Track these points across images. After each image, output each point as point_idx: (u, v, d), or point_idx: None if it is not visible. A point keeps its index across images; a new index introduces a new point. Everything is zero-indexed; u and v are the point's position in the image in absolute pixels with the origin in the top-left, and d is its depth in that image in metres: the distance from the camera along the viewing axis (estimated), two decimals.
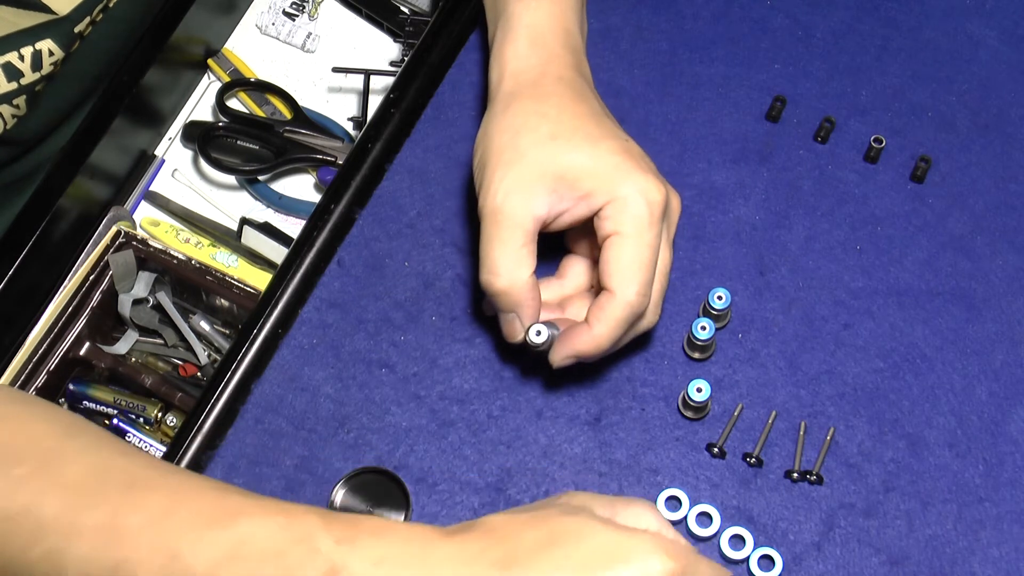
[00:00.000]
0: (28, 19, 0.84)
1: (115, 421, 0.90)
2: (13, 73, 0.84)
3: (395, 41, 1.03)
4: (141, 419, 0.90)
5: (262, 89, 1.00)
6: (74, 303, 0.89)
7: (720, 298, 0.78)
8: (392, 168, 0.85)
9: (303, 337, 0.80)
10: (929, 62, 0.88)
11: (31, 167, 0.94)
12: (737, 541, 0.74)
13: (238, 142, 0.98)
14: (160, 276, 0.92)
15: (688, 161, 0.85)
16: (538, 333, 0.72)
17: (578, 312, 0.75)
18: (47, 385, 0.89)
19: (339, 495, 0.75)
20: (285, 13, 1.03)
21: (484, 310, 0.79)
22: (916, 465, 0.76)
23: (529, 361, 0.79)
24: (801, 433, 0.77)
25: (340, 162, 0.95)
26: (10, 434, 0.64)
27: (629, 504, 0.64)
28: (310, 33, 1.03)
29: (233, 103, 1.01)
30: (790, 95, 0.87)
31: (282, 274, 0.81)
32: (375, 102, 0.95)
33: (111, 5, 0.89)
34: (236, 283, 0.89)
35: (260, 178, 0.98)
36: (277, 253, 0.93)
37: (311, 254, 0.82)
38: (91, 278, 0.90)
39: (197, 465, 0.76)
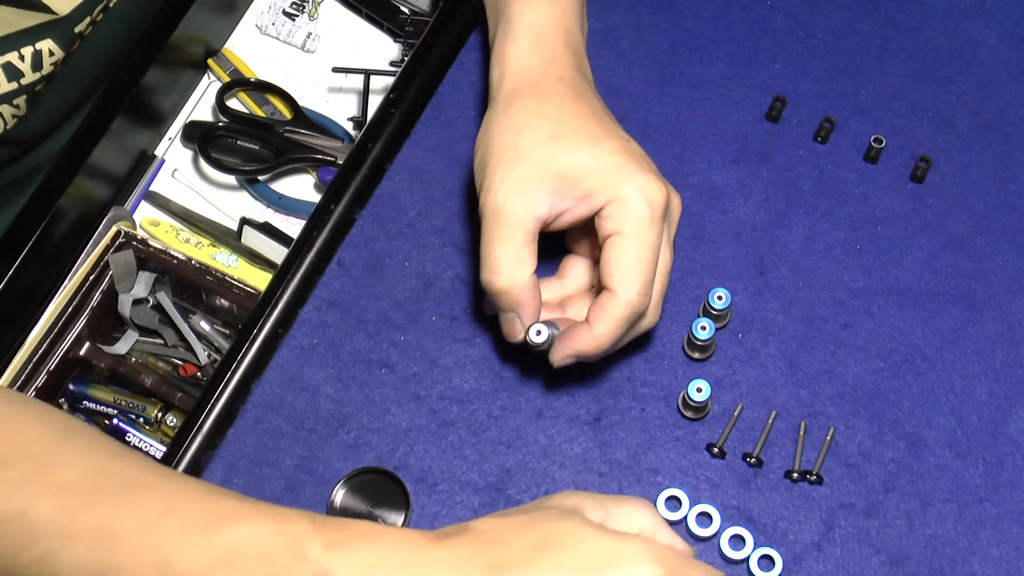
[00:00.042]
0: (28, 19, 0.84)
1: (115, 421, 0.90)
2: (13, 73, 0.84)
3: (395, 41, 1.03)
4: (141, 419, 0.90)
5: (262, 89, 1.00)
6: (74, 303, 0.89)
7: (720, 298, 0.78)
8: (392, 168, 0.85)
9: (303, 337, 0.80)
10: (929, 62, 0.88)
11: (31, 167, 0.94)
12: (737, 541, 0.74)
13: (238, 142, 0.98)
14: (160, 276, 0.92)
15: (688, 161, 0.85)
16: (538, 333, 0.72)
17: (578, 312, 0.75)
18: (47, 385, 0.89)
19: (339, 495, 0.75)
20: (285, 13, 1.03)
21: (484, 309, 0.79)
22: (916, 465, 0.76)
23: (529, 361, 0.79)
24: (801, 433, 0.77)
25: (340, 162, 0.95)
26: (6, 436, 0.64)
27: (623, 503, 0.64)
28: (310, 33, 1.03)
29: (233, 103, 1.01)
30: (790, 95, 0.87)
31: (282, 274, 0.81)
32: (375, 102, 0.95)
33: (111, 5, 0.89)
34: (236, 283, 0.89)
35: (260, 178, 0.98)
36: (277, 253, 0.93)
37: (311, 254, 0.82)
38: (91, 278, 0.90)
39: (197, 465, 0.76)
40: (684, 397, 0.77)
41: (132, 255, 0.90)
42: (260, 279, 0.92)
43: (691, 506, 0.75)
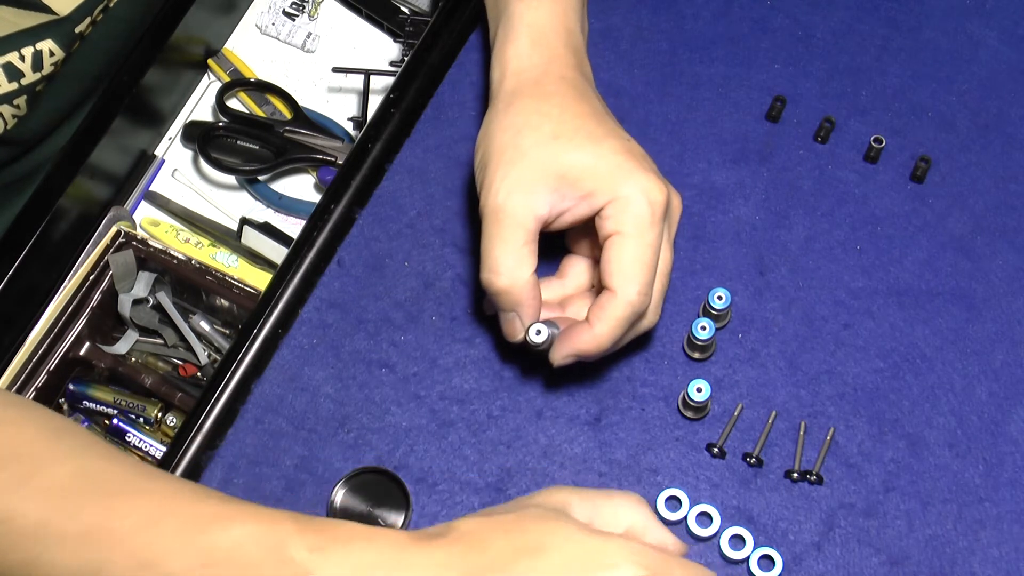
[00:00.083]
0: (29, 19, 0.84)
1: (115, 421, 0.90)
2: (14, 73, 0.84)
3: (395, 41, 1.03)
4: (141, 419, 0.90)
5: (262, 89, 1.00)
6: (74, 303, 0.89)
7: (720, 298, 0.78)
8: (392, 168, 0.85)
9: (303, 337, 0.80)
10: (929, 62, 0.88)
11: (31, 167, 0.94)
12: (737, 541, 0.74)
13: (238, 142, 0.98)
14: (160, 276, 0.92)
15: (688, 161, 0.85)
16: (538, 332, 0.72)
17: (579, 312, 0.75)
18: (47, 385, 0.89)
19: (339, 495, 0.75)
20: (285, 13, 1.03)
21: (484, 309, 0.79)
22: (916, 465, 0.76)
23: (529, 361, 0.79)
24: (801, 433, 0.77)
25: (340, 162, 0.95)
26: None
27: (611, 499, 0.64)
28: (310, 33, 1.03)
29: (233, 103, 1.01)
30: (790, 95, 0.87)
31: (282, 274, 0.81)
32: (375, 102, 0.95)
33: (111, 5, 0.89)
34: (236, 283, 0.89)
35: (260, 178, 0.98)
36: (277, 253, 0.93)
37: (311, 254, 0.82)
38: (91, 278, 0.90)
39: (197, 465, 0.76)
40: (684, 397, 0.77)
41: (132, 255, 0.90)
42: (260, 279, 0.92)
43: (691, 506, 0.75)
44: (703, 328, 0.77)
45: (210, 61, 1.01)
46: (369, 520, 0.74)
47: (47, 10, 0.84)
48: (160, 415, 0.90)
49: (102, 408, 0.91)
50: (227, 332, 0.92)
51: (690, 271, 0.81)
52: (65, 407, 0.91)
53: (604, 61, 0.87)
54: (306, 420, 0.78)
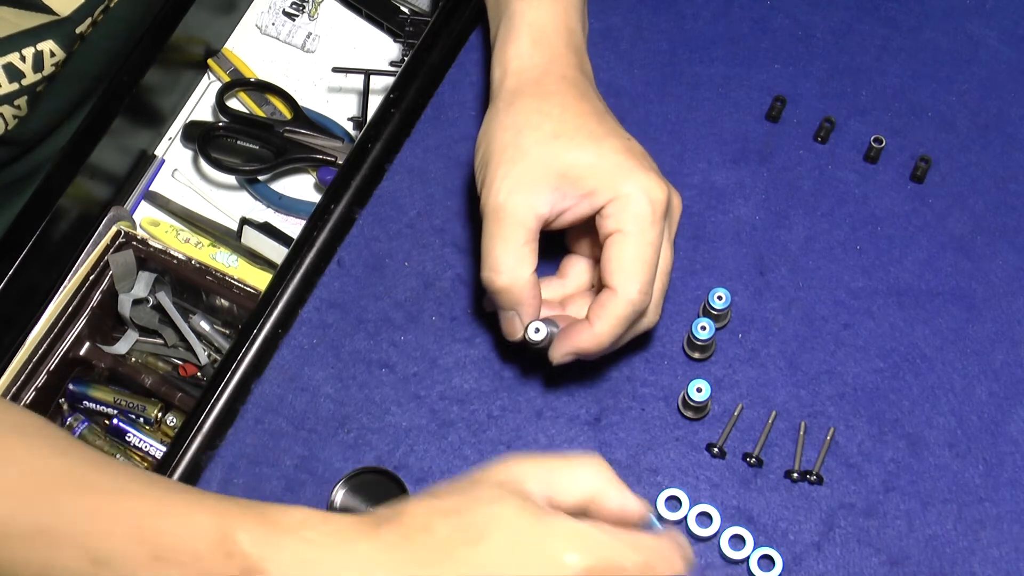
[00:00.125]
0: (29, 20, 0.84)
1: (115, 421, 0.90)
2: (14, 74, 0.84)
3: (395, 41, 1.03)
4: (141, 419, 0.90)
5: (262, 89, 1.00)
6: (74, 303, 0.89)
7: (720, 298, 0.78)
8: (392, 168, 0.85)
9: (303, 337, 0.80)
10: (929, 62, 0.88)
11: (31, 167, 0.94)
12: (737, 541, 0.74)
13: (238, 142, 0.98)
14: (160, 276, 0.92)
15: (688, 161, 0.85)
16: (536, 331, 0.72)
17: (579, 311, 0.75)
18: (47, 385, 0.89)
19: (339, 495, 0.75)
20: (285, 13, 1.03)
21: (485, 307, 0.79)
22: (916, 465, 0.76)
23: (529, 361, 0.79)
24: (801, 433, 0.77)
25: (340, 162, 0.95)
26: None
27: (567, 466, 0.62)
28: (310, 33, 1.03)
29: (233, 103, 1.01)
30: (790, 95, 0.87)
31: (282, 274, 0.81)
32: (375, 102, 0.95)
33: (112, 5, 0.89)
34: (236, 283, 0.89)
35: (260, 178, 0.98)
36: (277, 253, 0.93)
37: (311, 254, 0.82)
38: (91, 278, 0.90)
39: (197, 465, 0.76)
40: (684, 397, 0.77)
41: (132, 255, 0.90)
42: (260, 279, 0.92)
43: (691, 506, 0.75)
44: (703, 328, 0.77)
45: (210, 61, 1.01)
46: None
47: (48, 11, 0.84)
48: (160, 415, 0.90)
49: (102, 408, 0.91)
50: (227, 332, 0.92)
51: (690, 271, 0.81)
52: (65, 407, 0.91)
53: (604, 61, 0.87)
54: (306, 420, 0.78)
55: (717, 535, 0.75)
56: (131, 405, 0.90)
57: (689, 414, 0.78)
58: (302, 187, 0.99)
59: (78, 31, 0.86)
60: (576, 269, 0.77)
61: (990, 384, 0.78)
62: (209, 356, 0.92)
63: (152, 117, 0.98)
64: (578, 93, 0.74)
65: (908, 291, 0.81)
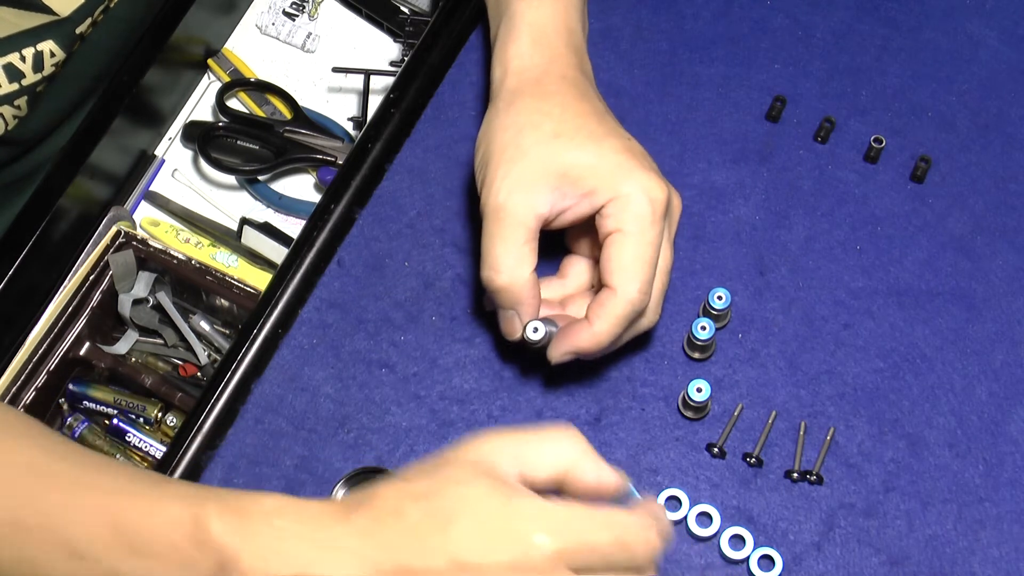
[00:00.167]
0: (29, 20, 0.84)
1: (115, 421, 0.90)
2: (14, 74, 0.84)
3: (395, 41, 1.03)
4: (141, 419, 0.90)
5: (262, 89, 1.00)
6: (74, 303, 0.89)
7: (720, 298, 0.78)
8: (392, 168, 0.85)
9: (303, 337, 0.80)
10: (929, 62, 0.88)
11: (31, 167, 0.94)
12: (737, 541, 0.74)
13: (238, 142, 0.98)
14: (160, 276, 0.92)
15: (688, 161, 0.85)
16: (535, 330, 0.72)
17: (579, 311, 0.75)
18: (47, 385, 0.89)
19: (339, 495, 0.75)
20: (285, 13, 1.03)
21: (485, 305, 0.79)
22: (916, 465, 0.76)
23: (529, 361, 0.79)
24: (801, 433, 0.77)
25: (340, 162, 0.95)
26: None
27: (540, 441, 0.61)
28: (310, 33, 1.03)
29: (233, 103, 1.01)
30: (790, 95, 0.87)
31: (282, 274, 0.81)
32: (375, 102, 0.95)
33: (112, 6, 0.89)
34: (236, 283, 0.89)
35: (260, 178, 0.98)
36: (277, 253, 0.93)
37: (311, 254, 0.82)
38: (91, 278, 0.90)
39: (197, 465, 0.76)
40: (684, 397, 0.77)
41: (132, 255, 0.90)
42: (260, 279, 0.92)
43: (691, 506, 0.75)
44: (703, 328, 0.77)
45: (210, 61, 1.01)
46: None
47: (48, 11, 0.84)
48: (160, 415, 0.90)
49: (102, 408, 0.91)
50: (227, 332, 0.92)
51: (690, 271, 0.81)
52: (65, 407, 0.91)
53: (604, 61, 0.87)
54: (306, 420, 0.78)
55: (717, 535, 0.75)
56: (131, 405, 0.90)
57: (689, 414, 0.78)
58: (302, 187, 0.99)
59: (78, 31, 0.86)
60: (576, 269, 0.77)
61: (990, 384, 0.78)
62: (209, 356, 0.92)
63: (152, 117, 0.98)
64: (578, 93, 0.74)
65: (908, 291, 0.81)
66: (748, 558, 0.74)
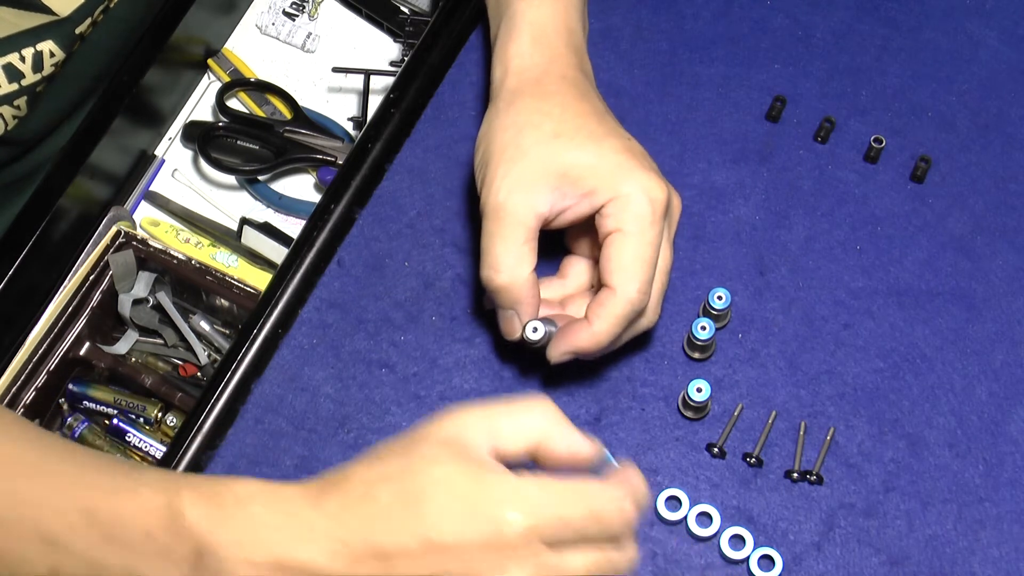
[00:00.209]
0: (29, 20, 0.84)
1: (115, 421, 0.90)
2: (14, 74, 0.84)
3: (395, 41, 1.03)
4: (141, 419, 0.90)
5: (262, 89, 1.00)
6: (74, 303, 0.89)
7: (720, 298, 0.78)
8: (392, 168, 0.85)
9: (303, 337, 0.80)
10: (929, 62, 0.88)
11: (31, 167, 0.94)
12: (737, 541, 0.74)
13: (238, 142, 0.98)
14: (160, 276, 0.92)
15: (688, 161, 0.85)
16: (535, 330, 0.72)
17: (579, 311, 0.75)
18: (47, 385, 0.89)
19: None
20: (285, 13, 1.03)
21: (484, 305, 0.79)
22: (916, 465, 0.76)
23: (529, 361, 0.79)
24: (801, 433, 0.77)
25: (340, 162, 0.95)
26: None
27: (511, 414, 0.61)
28: (310, 33, 1.03)
29: (233, 103, 1.01)
30: (790, 95, 0.87)
31: (282, 274, 0.81)
32: (375, 102, 0.95)
33: (112, 6, 0.89)
34: (236, 283, 0.89)
35: (260, 178, 0.98)
36: (277, 253, 0.93)
37: (311, 254, 0.82)
38: (91, 278, 0.90)
39: (197, 465, 0.76)
40: (684, 397, 0.77)
41: (132, 255, 0.90)
42: (260, 279, 0.92)
43: (691, 506, 0.75)
44: (703, 328, 0.77)
45: (210, 61, 1.01)
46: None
47: (47, 11, 0.84)
48: (160, 415, 0.90)
49: (102, 408, 0.91)
50: (227, 332, 0.92)
51: (690, 271, 0.81)
52: (65, 407, 0.91)
53: (604, 61, 0.87)
54: (306, 420, 0.78)
55: (717, 535, 0.75)
56: (131, 405, 0.90)
57: (689, 414, 0.78)
58: (302, 187, 0.99)
59: (78, 31, 0.86)
60: (576, 269, 0.77)
61: (990, 384, 0.78)
62: (209, 356, 0.92)
63: (152, 117, 0.98)
64: (578, 93, 0.74)
65: (908, 291, 0.81)
66: (748, 558, 0.74)
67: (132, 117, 0.93)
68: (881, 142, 0.85)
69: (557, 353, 0.72)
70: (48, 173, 0.88)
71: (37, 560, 0.61)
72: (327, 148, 0.96)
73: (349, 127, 0.99)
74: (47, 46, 0.85)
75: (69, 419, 0.91)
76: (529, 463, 0.61)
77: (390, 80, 0.93)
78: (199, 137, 0.96)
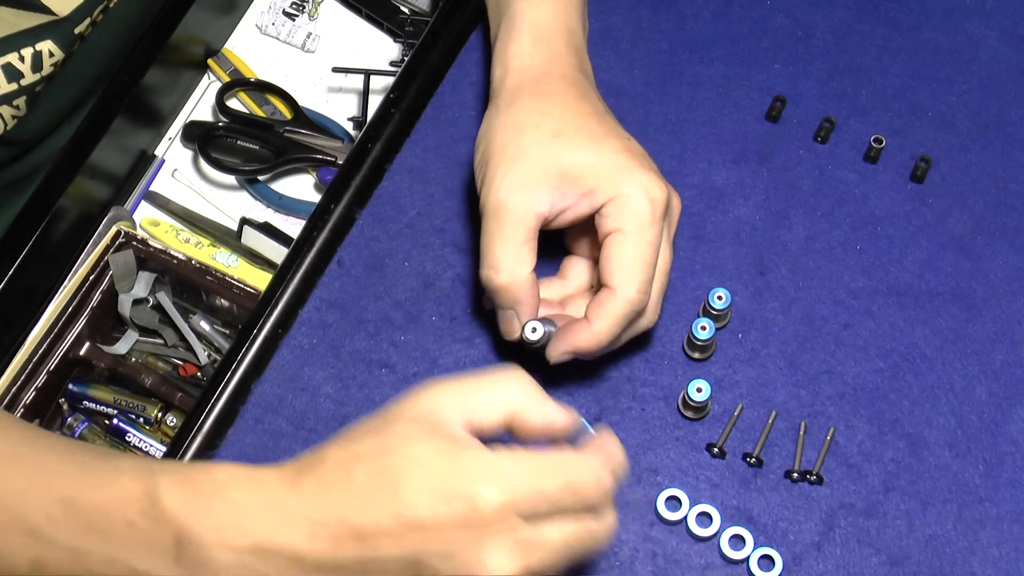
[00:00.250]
0: (28, 20, 0.84)
1: (115, 421, 0.90)
2: (13, 74, 0.84)
3: (395, 41, 1.03)
4: (141, 419, 0.90)
5: (262, 89, 1.00)
6: (74, 303, 0.89)
7: (720, 298, 0.78)
8: (392, 168, 0.85)
9: (303, 337, 0.80)
10: (929, 62, 0.88)
11: (31, 167, 0.94)
12: (737, 541, 0.74)
13: (238, 142, 0.98)
14: (160, 276, 0.92)
15: (688, 161, 0.85)
16: (533, 330, 0.72)
17: (579, 311, 0.75)
18: (47, 385, 0.89)
19: None
20: (285, 13, 1.03)
21: (484, 304, 0.79)
22: (916, 465, 0.76)
23: (529, 361, 0.78)
24: (801, 433, 0.77)
25: (340, 162, 0.95)
26: None
27: (483, 386, 0.60)
28: (310, 33, 1.03)
29: (233, 103, 1.01)
30: (790, 95, 0.87)
31: (282, 274, 0.81)
32: (375, 102, 0.95)
33: (111, 5, 0.89)
34: (236, 283, 0.89)
35: (260, 178, 0.98)
36: (277, 253, 0.93)
37: (311, 254, 0.82)
38: (91, 278, 0.90)
39: None
40: (684, 397, 0.77)
41: (132, 255, 0.90)
42: (260, 279, 0.92)
43: (691, 506, 0.75)
44: (703, 328, 0.77)
45: (210, 61, 1.01)
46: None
47: (46, 11, 0.84)
48: (160, 415, 0.90)
49: (102, 408, 0.91)
50: (227, 332, 0.92)
51: (690, 271, 0.81)
52: (65, 407, 0.91)
53: (604, 61, 0.87)
54: (306, 420, 0.78)
55: (717, 535, 0.75)
56: (131, 405, 0.90)
57: (689, 414, 0.78)
58: (302, 187, 0.99)
59: (77, 31, 0.86)
60: (576, 270, 0.77)
61: (990, 384, 0.78)
62: (209, 356, 0.92)
63: (152, 117, 0.98)
64: (578, 93, 0.74)
65: (908, 291, 0.81)
66: (748, 558, 0.74)
67: (132, 117, 0.93)
68: (881, 142, 0.85)
69: (556, 353, 0.72)
70: (48, 173, 0.88)
71: (19, 551, 0.61)
72: (327, 148, 0.96)
73: (349, 127, 0.99)
74: (46, 46, 0.85)
75: (69, 419, 0.91)
76: (506, 436, 0.61)
77: (390, 80, 0.93)
78: (199, 137, 0.96)
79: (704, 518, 0.75)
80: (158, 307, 0.92)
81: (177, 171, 0.99)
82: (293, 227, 0.96)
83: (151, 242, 0.91)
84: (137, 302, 0.92)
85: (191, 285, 0.91)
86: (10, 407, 0.86)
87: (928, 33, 0.89)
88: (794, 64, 0.88)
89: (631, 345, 0.76)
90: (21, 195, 0.89)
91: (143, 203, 0.97)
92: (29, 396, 0.88)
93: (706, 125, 0.86)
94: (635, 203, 0.70)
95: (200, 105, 1.01)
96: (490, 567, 0.57)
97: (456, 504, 0.57)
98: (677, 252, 0.77)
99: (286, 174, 0.99)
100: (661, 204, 0.70)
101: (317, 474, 0.59)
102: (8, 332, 0.88)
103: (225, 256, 0.94)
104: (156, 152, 0.99)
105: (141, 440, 0.90)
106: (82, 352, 0.90)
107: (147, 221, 0.96)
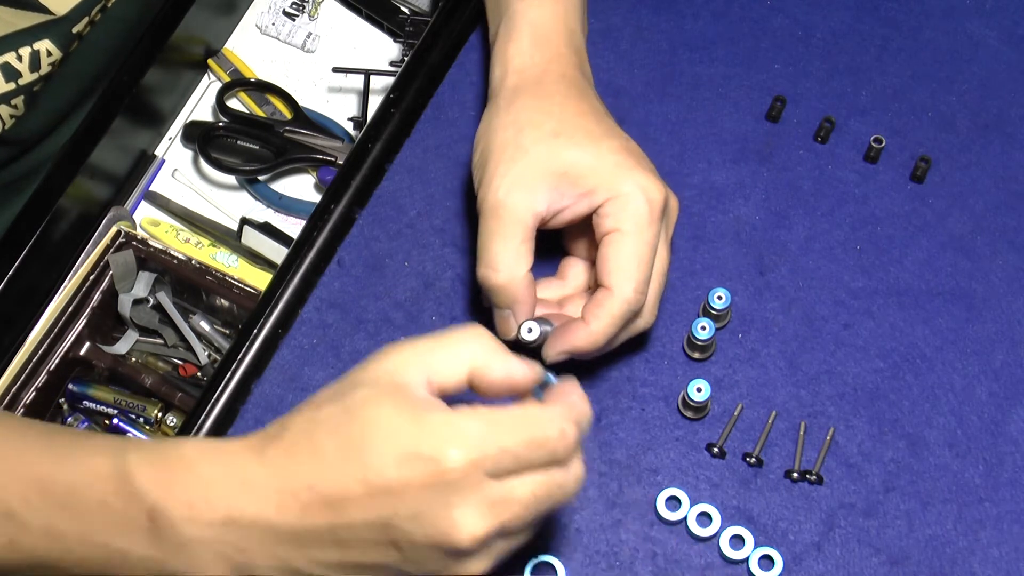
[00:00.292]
0: (26, 19, 0.84)
1: (115, 421, 0.90)
2: (11, 73, 0.84)
3: (395, 41, 1.02)
4: (141, 419, 0.90)
5: (262, 89, 1.00)
6: (74, 303, 0.89)
7: (720, 298, 0.78)
8: (392, 168, 0.85)
9: (303, 337, 0.80)
10: (929, 62, 0.88)
11: (31, 167, 0.94)
12: (737, 541, 0.74)
13: (238, 142, 0.98)
14: (160, 276, 0.92)
15: (688, 161, 0.85)
16: (529, 330, 0.72)
17: (577, 311, 0.75)
18: (47, 385, 0.89)
19: None
20: (285, 13, 1.03)
21: (483, 302, 0.79)
22: (916, 465, 0.76)
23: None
24: (801, 433, 0.77)
25: (340, 162, 0.95)
26: None
27: (443, 345, 0.60)
28: (310, 33, 1.03)
29: (233, 103, 1.01)
30: (790, 95, 0.87)
31: (282, 274, 0.81)
32: (375, 102, 0.95)
33: (109, 5, 0.89)
34: (236, 283, 0.89)
35: (260, 178, 0.98)
36: (277, 253, 0.93)
37: (311, 254, 0.82)
38: (91, 278, 0.90)
39: None
40: (684, 397, 0.77)
41: (132, 255, 0.90)
42: (260, 279, 0.92)
43: (691, 506, 0.75)
44: (703, 328, 0.77)
45: (210, 61, 1.01)
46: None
47: (44, 10, 0.84)
48: (160, 415, 0.90)
49: (102, 408, 0.91)
50: (227, 332, 0.92)
51: (690, 271, 0.81)
52: (65, 407, 0.91)
53: (604, 61, 0.87)
54: None
55: (717, 535, 0.75)
56: (131, 405, 0.90)
57: (689, 414, 0.78)
58: (302, 187, 0.99)
59: (75, 31, 0.86)
60: (575, 271, 0.77)
61: (990, 384, 0.78)
62: (209, 356, 0.92)
63: (152, 117, 0.98)
64: (578, 93, 0.74)
65: (908, 291, 0.81)
66: (748, 558, 0.74)
67: (132, 117, 0.93)
68: (881, 142, 0.85)
69: (553, 353, 0.72)
70: (48, 173, 0.88)
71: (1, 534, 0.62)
72: (327, 148, 0.96)
73: (349, 127, 0.99)
74: (44, 45, 0.85)
75: (69, 419, 0.91)
76: (470, 394, 0.61)
77: (390, 80, 0.93)
78: (199, 137, 0.96)
79: (704, 518, 0.75)
80: (158, 307, 0.92)
81: (177, 171, 0.99)
82: (293, 227, 0.96)
83: (151, 242, 0.91)
84: (137, 302, 0.92)
85: (191, 285, 0.91)
86: (10, 407, 0.86)
87: (928, 33, 0.89)
88: (794, 64, 0.88)
89: (631, 345, 0.76)
90: (21, 195, 0.89)
91: (143, 203, 0.97)
92: (29, 396, 0.88)
93: (706, 125, 0.86)
94: (633, 203, 0.70)
95: (200, 105, 1.01)
96: (460, 526, 0.57)
97: (421, 466, 0.57)
98: (677, 252, 0.77)
99: (286, 174, 0.99)
100: (659, 204, 0.70)
101: (283, 443, 0.59)
102: (8, 332, 0.88)
103: (225, 256, 0.94)
104: (156, 152, 0.99)
105: None
106: (82, 352, 0.90)
107: (147, 221, 0.96)
